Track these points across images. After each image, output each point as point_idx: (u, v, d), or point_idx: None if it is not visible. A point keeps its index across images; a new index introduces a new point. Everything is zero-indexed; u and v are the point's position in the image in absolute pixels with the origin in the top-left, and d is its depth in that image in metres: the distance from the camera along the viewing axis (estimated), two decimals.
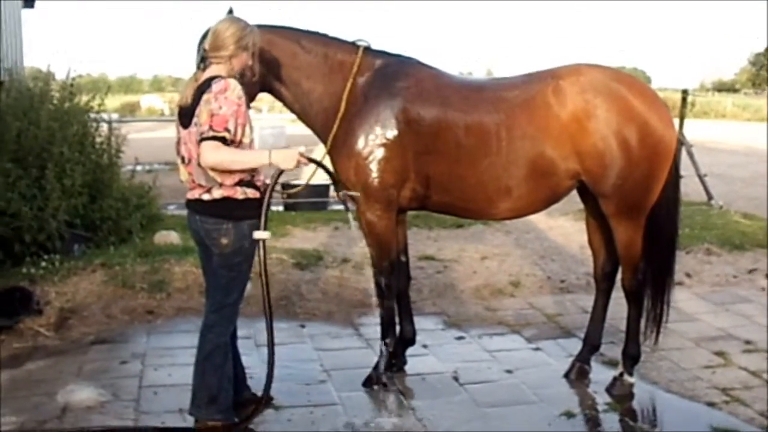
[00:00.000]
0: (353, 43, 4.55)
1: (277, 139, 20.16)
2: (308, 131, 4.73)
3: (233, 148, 3.58)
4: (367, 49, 4.53)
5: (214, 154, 3.52)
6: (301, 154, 3.82)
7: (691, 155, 10.88)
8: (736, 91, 61.65)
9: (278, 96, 4.57)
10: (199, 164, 3.64)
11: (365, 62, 4.47)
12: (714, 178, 11.87)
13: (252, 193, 3.75)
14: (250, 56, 3.78)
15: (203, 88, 3.61)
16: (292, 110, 4.62)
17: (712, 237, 8.22)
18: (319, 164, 4.10)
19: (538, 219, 8.71)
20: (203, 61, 3.72)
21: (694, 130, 13.55)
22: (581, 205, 4.92)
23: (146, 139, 16.06)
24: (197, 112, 3.59)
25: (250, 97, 4.10)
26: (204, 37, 3.85)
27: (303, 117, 4.61)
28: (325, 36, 4.56)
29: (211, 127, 3.52)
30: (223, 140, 3.53)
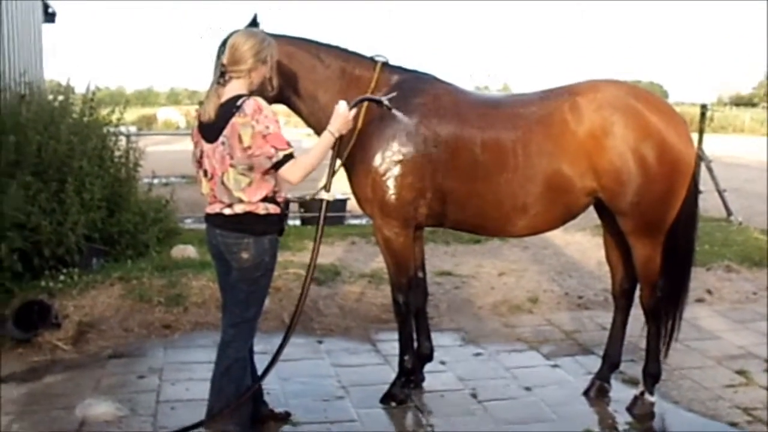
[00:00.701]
0: (372, 59, 4.54)
1: None
2: None
3: (298, 155, 3.67)
4: (385, 65, 4.52)
5: (296, 172, 3.64)
6: (348, 108, 3.89)
7: (710, 170, 10.80)
8: (754, 105, 61.15)
9: (294, 109, 4.56)
10: (222, 182, 3.65)
11: (382, 78, 4.46)
12: (732, 193, 11.77)
13: (273, 208, 3.75)
14: (268, 69, 3.79)
15: (228, 106, 3.61)
16: (308, 124, 4.61)
17: (732, 254, 8.15)
18: (367, 99, 4.18)
19: (555, 234, 8.65)
20: (222, 75, 3.73)
21: (713, 144, 13.43)
22: (598, 221, 4.89)
23: (162, 152, 16.15)
24: (228, 133, 3.58)
25: None
26: (221, 49, 3.85)
27: (319, 131, 4.57)
28: (344, 50, 4.55)
29: (276, 149, 3.57)
30: (292, 155, 3.62)
